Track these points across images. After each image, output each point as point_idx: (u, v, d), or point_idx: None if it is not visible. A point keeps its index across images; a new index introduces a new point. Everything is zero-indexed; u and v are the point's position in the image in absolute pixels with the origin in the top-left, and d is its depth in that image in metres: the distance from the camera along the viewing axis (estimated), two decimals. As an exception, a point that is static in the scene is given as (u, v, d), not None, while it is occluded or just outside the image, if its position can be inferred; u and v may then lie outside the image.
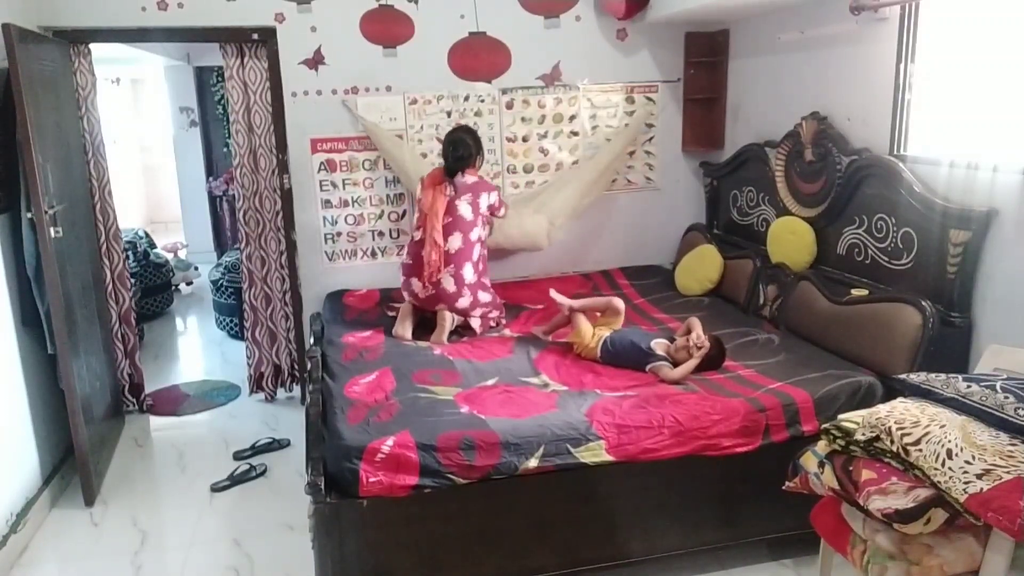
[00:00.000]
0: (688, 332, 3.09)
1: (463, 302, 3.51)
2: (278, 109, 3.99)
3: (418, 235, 3.58)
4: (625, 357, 3.11)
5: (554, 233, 4.24)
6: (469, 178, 3.57)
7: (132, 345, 4.17)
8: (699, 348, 2.97)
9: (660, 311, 3.84)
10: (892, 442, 1.88)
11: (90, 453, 3.28)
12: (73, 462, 3.34)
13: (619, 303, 3.39)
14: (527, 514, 2.55)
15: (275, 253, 4.18)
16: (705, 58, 4.38)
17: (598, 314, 3.39)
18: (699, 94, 4.43)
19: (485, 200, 3.59)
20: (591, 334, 3.24)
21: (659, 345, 3.09)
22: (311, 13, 3.95)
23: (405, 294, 3.63)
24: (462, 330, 3.61)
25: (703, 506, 2.69)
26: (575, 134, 4.38)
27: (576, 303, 3.41)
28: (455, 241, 3.50)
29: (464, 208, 3.53)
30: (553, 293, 3.52)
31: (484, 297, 3.62)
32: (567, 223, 4.31)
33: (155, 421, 4.22)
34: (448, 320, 3.51)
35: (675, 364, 2.99)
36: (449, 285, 3.47)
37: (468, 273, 3.52)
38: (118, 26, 3.77)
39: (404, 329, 3.51)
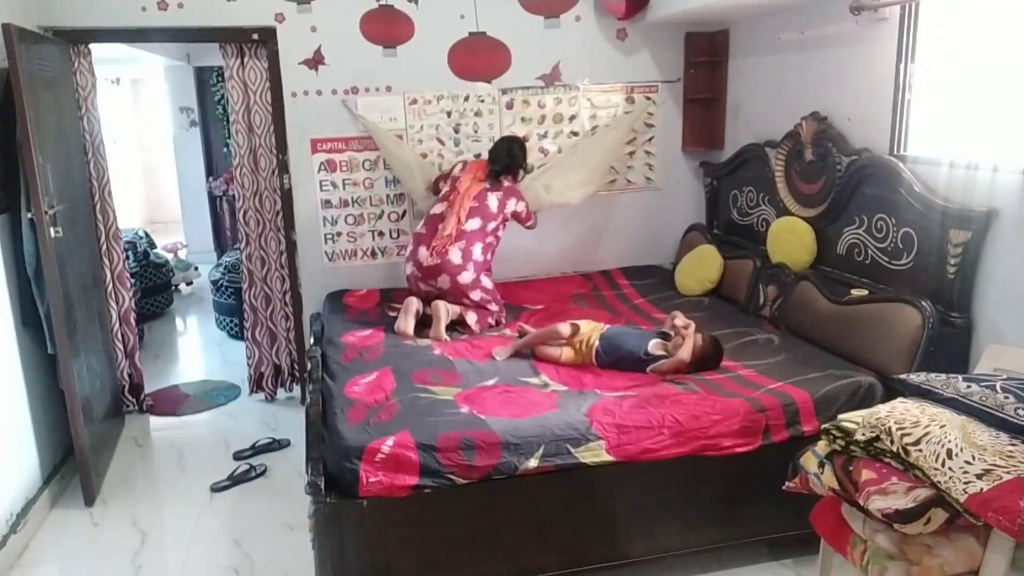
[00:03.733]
0: (673, 324, 3.11)
1: (466, 276, 3.55)
2: (278, 109, 3.99)
3: (439, 208, 3.72)
4: (623, 365, 3.08)
5: (560, 196, 4.12)
6: (505, 182, 3.80)
7: (132, 345, 4.17)
8: (686, 328, 3.02)
9: (660, 311, 3.83)
10: (892, 442, 1.88)
11: (90, 453, 3.28)
12: (73, 462, 3.34)
13: (562, 329, 3.18)
14: (527, 514, 2.54)
15: (275, 253, 4.18)
16: (705, 58, 4.38)
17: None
18: (699, 94, 4.43)
19: (512, 205, 3.77)
20: (575, 352, 3.15)
21: (657, 346, 3.09)
22: (311, 13, 3.95)
23: (408, 265, 3.70)
24: (461, 328, 3.60)
25: (703, 506, 2.68)
26: (575, 134, 4.38)
27: (520, 343, 3.28)
28: (473, 223, 3.63)
29: (492, 201, 3.71)
30: (495, 351, 3.27)
31: (486, 282, 3.67)
32: (571, 192, 4.16)
33: (155, 421, 4.22)
34: (443, 312, 3.51)
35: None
36: (456, 257, 3.55)
37: (477, 252, 3.62)
38: (118, 26, 3.77)
39: (407, 324, 3.51)
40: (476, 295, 3.61)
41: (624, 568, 2.66)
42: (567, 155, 4.33)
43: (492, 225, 3.71)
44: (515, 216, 3.84)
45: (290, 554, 2.86)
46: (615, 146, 4.35)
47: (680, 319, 3.11)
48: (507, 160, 3.82)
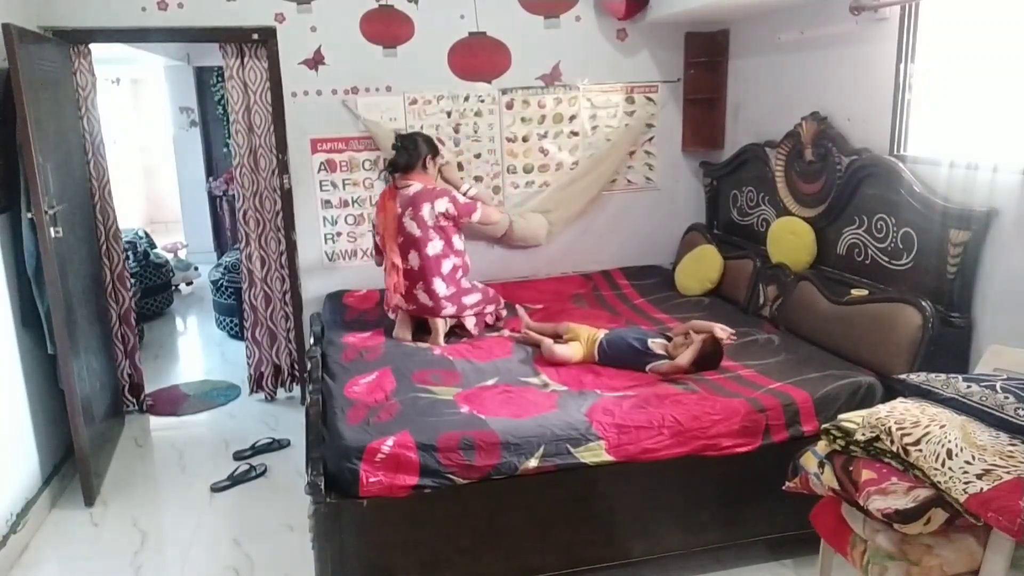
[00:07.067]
0: (687, 333, 3.07)
1: (448, 311, 3.47)
2: (278, 109, 3.99)
3: (382, 258, 3.59)
4: (623, 359, 3.10)
5: (553, 233, 4.32)
6: (412, 188, 3.41)
7: (132, 345, 4.17)
8: (697, 332, 3.01)
9: (660, 311, 3.83)
10: (892, 442, 1.88)
11: (90, 453, 3.28)
12: (73, 462, 3.34)
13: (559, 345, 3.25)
14: (527, 514, 2.54)
15: (275, 253, 4.18)
16: (705, 58, 4.38)
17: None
18: (699, 94, 4.43)
19: (429, 210, 3.35)
20: (580, 349, 3.19)
21: (657, 344, 3.09)
22: (311, 13, 3.94)
23: (390, 312, 3.60)
24: (460, 331, 3.59)
25: (703, 506, 2.68)
26: (575, 134, 4.38)
27: (533, 325, 3.46)
28: (413, 259, 3.41)
29: (409, 224, 3.38)
30: (518, 306, 3.70)
31: (471, 299, 3.54)
32: (565, 225, 4.39)
33: (155, 421, 4.22)
34: (441, 325, 3.49)
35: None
36: (425, 300, 3.43)
37: (440, 287, 3.41)
38: (118, 26, 3.77)
39: (404, 333, 3.51)
40: (468, 312, 3.55)
41: (624, 568, 2.66)
42: (568, 183, 4.34)
43: (431, 247, 3.36)
44: (451, 218, 3.39)
45: (290, 554, 2.86)
46: (614, 165, 4.40)
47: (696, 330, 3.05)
48: (394, 161, 3.45)
